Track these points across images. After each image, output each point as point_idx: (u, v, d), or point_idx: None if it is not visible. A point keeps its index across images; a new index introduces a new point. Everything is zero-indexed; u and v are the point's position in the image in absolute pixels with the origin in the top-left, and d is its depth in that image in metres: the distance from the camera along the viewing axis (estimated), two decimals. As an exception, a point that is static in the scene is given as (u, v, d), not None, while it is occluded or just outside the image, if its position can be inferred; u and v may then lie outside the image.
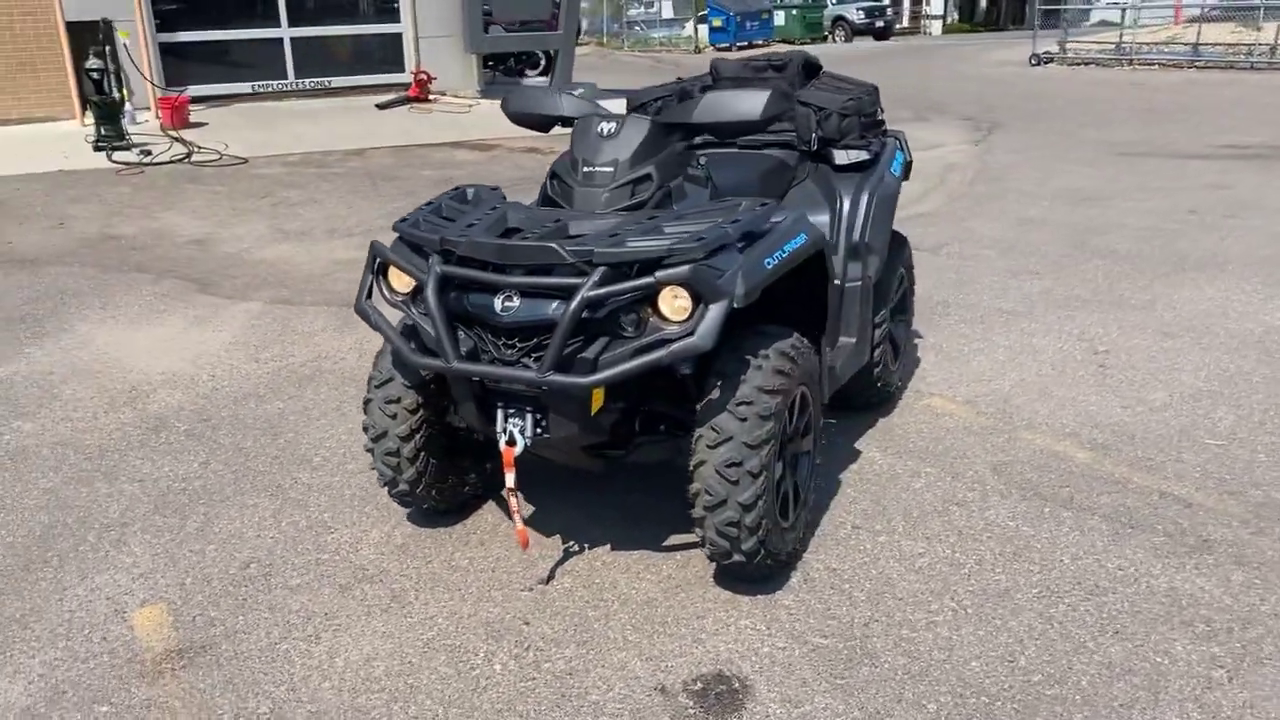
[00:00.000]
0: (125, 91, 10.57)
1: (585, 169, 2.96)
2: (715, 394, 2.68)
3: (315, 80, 11.88)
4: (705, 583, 2.94)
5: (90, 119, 9.66)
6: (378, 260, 2.84)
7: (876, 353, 3.79)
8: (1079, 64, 20.58)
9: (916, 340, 4.83)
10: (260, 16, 11.53)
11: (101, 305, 5.60)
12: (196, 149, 9.43)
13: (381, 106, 11.43)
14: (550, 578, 2.99)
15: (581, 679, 2.56)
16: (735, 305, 2.54)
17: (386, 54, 12.27)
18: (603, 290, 2.49)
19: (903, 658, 2.61)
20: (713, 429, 2.65)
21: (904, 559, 3.05)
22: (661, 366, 2.53)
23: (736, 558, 2.74)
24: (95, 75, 9.27)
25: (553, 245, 2.55)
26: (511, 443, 2.71)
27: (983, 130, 11.59)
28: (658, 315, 2.58)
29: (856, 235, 3.65)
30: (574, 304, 2.47)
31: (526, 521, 3.30)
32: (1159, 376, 4.36)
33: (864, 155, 3.80)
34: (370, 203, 7.90)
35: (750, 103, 3.01)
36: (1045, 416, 4.00)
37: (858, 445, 3.79)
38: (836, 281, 3.28)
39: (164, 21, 11.05)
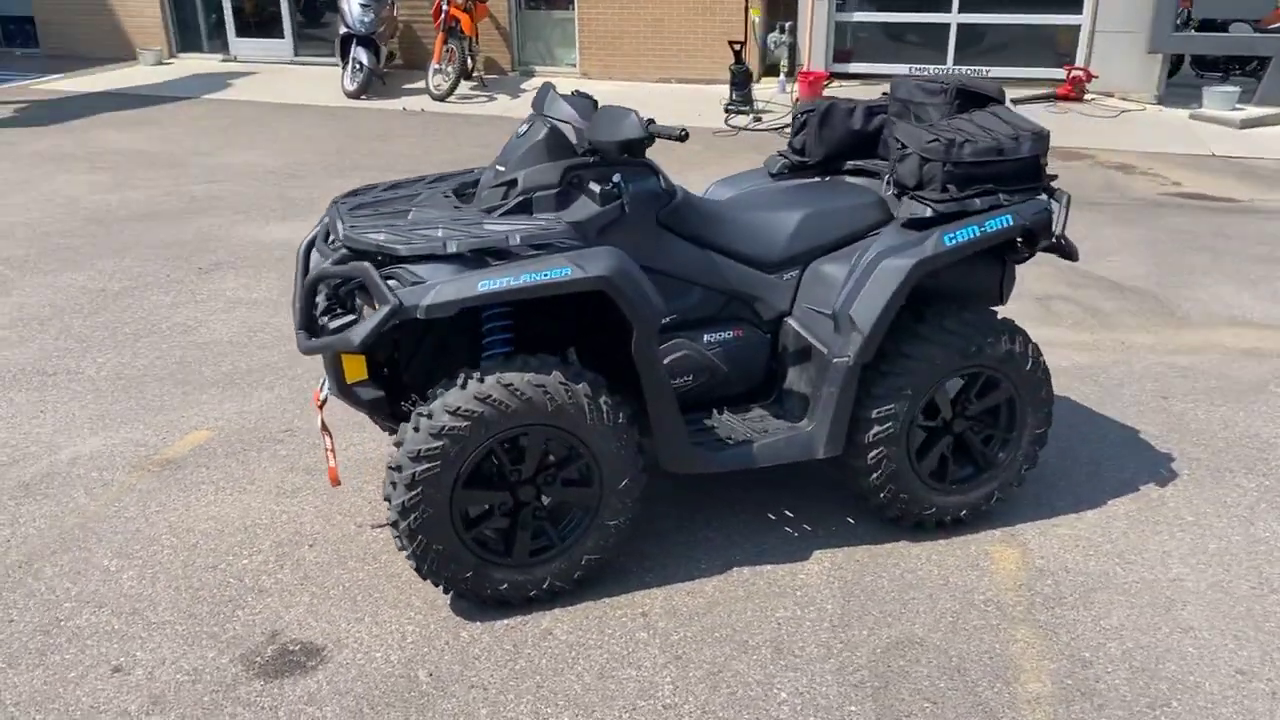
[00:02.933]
0: (792, 64, 11.79)
1: (494, 166, 3.08)
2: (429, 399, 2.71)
3: (972, 68, 11.68)
4: (454, 586, 2.97)
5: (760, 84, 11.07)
6: None
7: (872, 456, 3.08)
8: None
9: (1139, 485, 3.57)
10: (932, 0, 11.68)
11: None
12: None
13: (1016, 103, 10.82)
14: (382, 527, 3.30)
15: (238, 609, 2.92)
16: (420, 316, 2.56)
17: (1054, 46, 11.45)
18: (331, 270, 2.73)
19: (437, 725, 2.44)
20: (402, 428, 2.70)
21: (607, 671, 2.66)
22: (334, 350, 2.69)
23: (410, 562, 2.77)
24: (736, 46, 10.57)
25: (338, 223, 2.84)
26: (322, 387, 3.10)
27: None
28: (371, 305, 2.72)
29: (840, 303, 3.00)
30: (309, 275, 2.77)
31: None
32: (1393, 665, 2.65)
33: (925, 211, 3.04)
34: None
35: (611, 129, 2.82)
36: (1091, 628, 2.80)
37: (822, 552, 3.17)
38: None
39: (844, 1, 11.91)
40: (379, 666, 2.65)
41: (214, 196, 7.57)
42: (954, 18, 11.64)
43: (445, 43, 11.47)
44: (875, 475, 3.12)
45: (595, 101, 3.26)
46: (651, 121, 2.93)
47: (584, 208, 2.93)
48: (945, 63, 11.82)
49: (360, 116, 10.75)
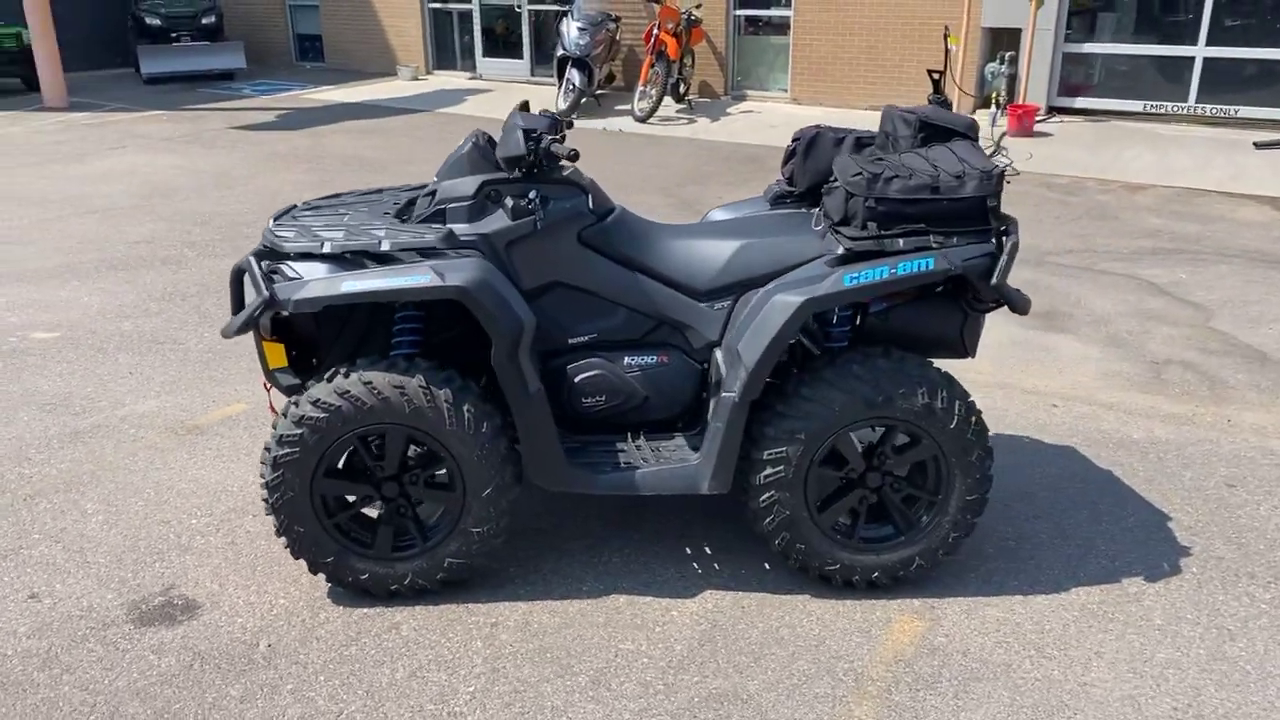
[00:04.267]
0: (1011, 96, 11.14)
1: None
2: (311, 391, 2.90)
3: (1220, 107, 10.49)
4: (346, 570, 3.13)
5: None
6: None
7: (764, 499, 2.94)
8: None
9: (1123, 577, 3.15)
10: (1175, 32, 10.62)
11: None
12: (1002, 156, 9.62)
13: (1260, 145, 9.60)
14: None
15: (158, 560, 3.23)
16: (288, 310, 2.76)
17: (1322, 86, 10.06)
18: (242, 262, 2.98)
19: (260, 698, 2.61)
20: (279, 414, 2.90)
21: (421, 671, 2.72)
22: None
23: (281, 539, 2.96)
24: (935, 76, 10.11)
25: (271, 220, 3.11)
26: (268, 365, 3.36)
27: None
28: (264, 295, 2.95)
29: (732, 336, 2.89)
30: (234, 266, 3.04)
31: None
32: None
33: (837, 248, 2.87)
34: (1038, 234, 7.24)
35: (503, 147, 2.91)
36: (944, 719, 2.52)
37: (713, 593, 3.06)
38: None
39: (1074, 31, 11.10)
40: (232, 631, 2.86)
41: (389, 200, 8.25)
42: (1199, 50, 10.52)
43: (653, 66, 11.80)
44: (769, 520, 2.97)
45: (554, 121, 3.31)
46: (556, 141, 2.98)
47: (497, 221, 3.01)
48: (1187, 99, 10.71)
49: (562, 133, 11.28)
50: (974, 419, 2.93)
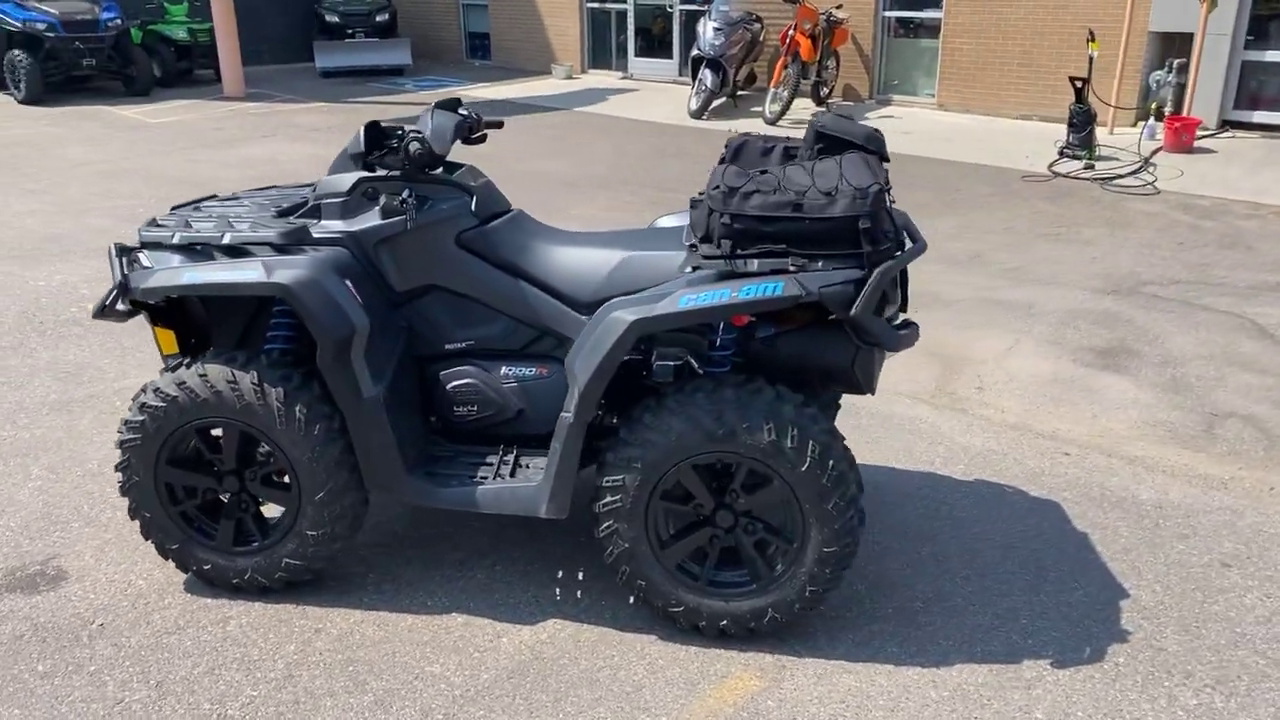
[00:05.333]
0: (1178, 107, 10.13)
1: None
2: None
3: None
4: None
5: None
6: None
7: (603, 528, 2.75)
8: None
9: (1026, 658, 2.75)
10: (1378, 39, 9.30)
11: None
12: (1146, 172, 8.76)
13: None
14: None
15: (59, 530, 3.36)
16: (137, 298, 2.82)
17: None
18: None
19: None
20: (135, 400, 2.96)
21: (218, 669, 2.69)
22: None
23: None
24: (1077, 84, 9.26)
25: (168, 209, 3.18)
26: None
27: None
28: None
29: (571, 354, 2.71)
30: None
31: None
32: None
33: (686, 267, 2.64)
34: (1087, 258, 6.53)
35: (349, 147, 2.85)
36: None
37: (558, 623, 2.89)
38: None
39: (1259, 38, 9.94)
40: (77, 607, 2.93)
41: (481, 195, 8.38)
42: (1406, 60, 9.20)
43: (786, 67, 11.47)
44: (609, 550, 2.77)
45: (464, 121, 3.20)
46: (416, 141, 2.87)
47: (368, 219, 2.95)
48: (1387, 116, 9.38)
49: (683, 135, 11.15)
50: (831, 462, 2.62)
